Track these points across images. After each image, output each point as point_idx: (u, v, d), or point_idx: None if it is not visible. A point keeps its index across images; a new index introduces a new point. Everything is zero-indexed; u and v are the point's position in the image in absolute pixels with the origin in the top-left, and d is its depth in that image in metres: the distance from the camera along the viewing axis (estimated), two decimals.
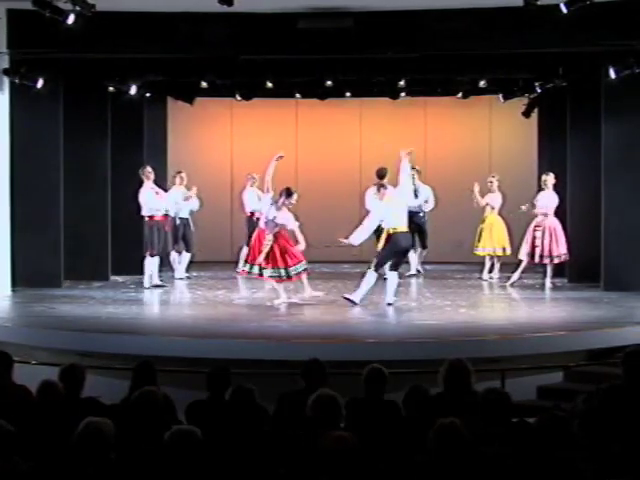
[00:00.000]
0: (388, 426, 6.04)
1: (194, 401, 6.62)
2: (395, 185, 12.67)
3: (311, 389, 6.39)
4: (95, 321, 11.66)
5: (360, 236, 12.41)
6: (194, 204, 15.88)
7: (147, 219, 14.37)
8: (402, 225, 12.33)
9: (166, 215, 14.61)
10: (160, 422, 5.53)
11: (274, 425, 6.28)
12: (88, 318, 11.85)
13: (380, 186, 12.77)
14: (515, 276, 14.64)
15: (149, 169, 14.50)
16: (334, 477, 4.75)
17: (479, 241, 15.66)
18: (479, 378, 6.63)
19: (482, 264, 15.82)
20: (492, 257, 15.73)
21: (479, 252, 15.71)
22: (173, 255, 15.84)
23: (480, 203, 15.56)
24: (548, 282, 14.41)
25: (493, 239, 15.54)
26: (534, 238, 14.33)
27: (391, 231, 12.29)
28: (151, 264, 14.41)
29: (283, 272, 12.55)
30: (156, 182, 14.70)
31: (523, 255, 14.46)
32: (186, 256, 15.92)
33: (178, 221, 15.74)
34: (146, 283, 14.39)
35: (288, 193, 12.62)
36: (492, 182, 15.71)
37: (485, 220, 15.64)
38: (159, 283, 14.51)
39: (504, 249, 15.59)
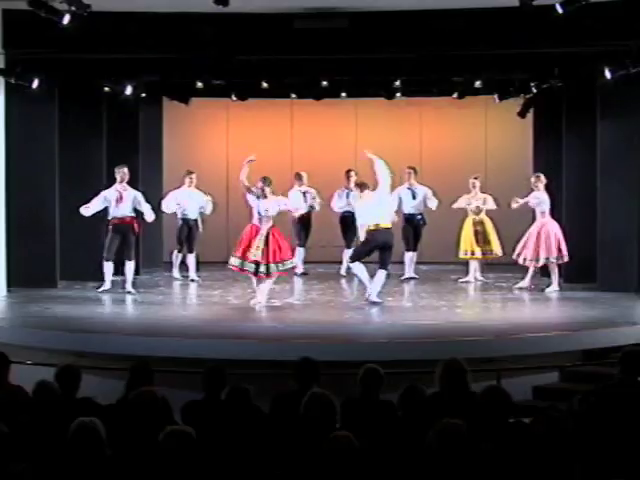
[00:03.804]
0: (384, 426, 6.04)
1: (189, 401, 6.60)
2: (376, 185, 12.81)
3: (304, 389, 6.41)
4: (91, 321, 11.65)
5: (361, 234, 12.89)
6: (207, 207, 15.84)
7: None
8: (379, 222, 12.57)
9: (132, 217, 14.14)
10: (157, 422, 5.52)
11: (269, 426, 6.28)
12: (84, 318, 11.84)
13: (360, 185, 13.07)
14: (526, 281, 14.31)
15: (124, 170, 14.17)
16: (334, 477, 4.76)
17: (478, 244, 15.39)
18: (475, 378, 6.63)
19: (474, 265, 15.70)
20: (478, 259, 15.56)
21: (479, 256, 15.48)
22: (175, 254, 15.92)
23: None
24: (526, 282, 14.20)
25: (489, 242, 15.35)
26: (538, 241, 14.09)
27: (372, 227, 12.57)
28: (106, 268, 14.03)
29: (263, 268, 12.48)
30: (130, 183, 14.56)
31: (527, 261, 14.10)
32: (190, 257, 15.84)
33: (180, 222, 15.76)
34: (105, 286, 14.05)
35: (262, 181, 12.67)
36: (474, 183, 15.49)
37: (483, 222, 15.41)
38: (130, 289, 14.01)
39: (494, 251, 15.44)
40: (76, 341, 10.56)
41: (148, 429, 5.49)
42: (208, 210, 15.94)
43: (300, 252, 16.32)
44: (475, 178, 15.55)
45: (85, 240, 14.80)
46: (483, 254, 15.36)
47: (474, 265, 15.48)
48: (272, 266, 12.38)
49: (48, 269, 14.47)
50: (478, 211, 15.40)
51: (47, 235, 14.46)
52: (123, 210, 14.05)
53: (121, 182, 14.11)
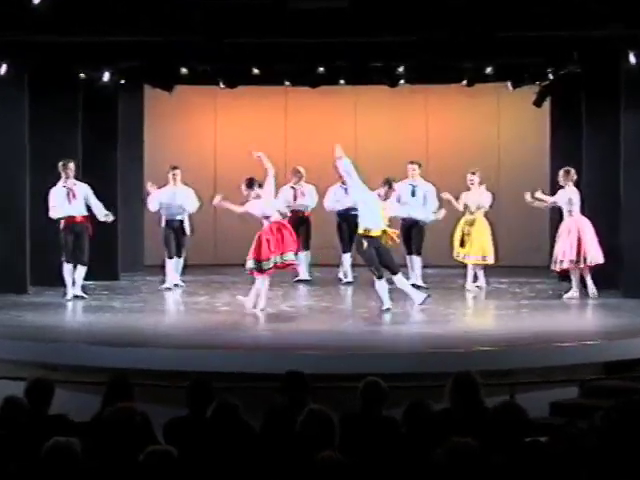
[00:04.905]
0: (386, 445, 6.03)
1: (173, 418, 6.59)
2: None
3: (296, 404, 6.48)
4: (64, 330, 11.67)
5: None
6: (189, 205, 15.66)
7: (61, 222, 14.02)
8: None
9: (85, 216, 14.10)
10: (136, 442, 5.51)
11: (261, 445, 6.26)
12: (56, 327, 11.85)
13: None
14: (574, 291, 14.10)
15: (71, 165, 14.03)
16: None
17: (462, 247, 15.23)
18: (486, 393, 6.62)
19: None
20: (476, 265, 15.42)
21: (464, 260, 15.33)
22: (167, 261, 15.65)
23: (457, 206, 15.05)
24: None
25: (481, 245, 15.20)
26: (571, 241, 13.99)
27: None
28: (66, 271, 14.01)
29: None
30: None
31: (566, 264, 13.94)
32: (177, 262, 15.66)
33: (164, 224, 15.61)
34: (69, 294, 13.97)
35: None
36: (472, 180, 15.36)
37: (474, 223, 15.27)
38: (79, 294, 14.04)
39: (489, 257, 15.26)
40: (47, 352, 10.53)
41: (127, 449, 5.48)
42: (190, 207, 15.70)
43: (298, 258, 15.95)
44: (472, 173, 15.40)
45: (58, 242, 14.73)
46: (465, 257, 15.20)
47: (473, 270, 15.33)
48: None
49: (17, 273, 14.45)
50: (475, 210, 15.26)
51: (16, 236, 14.43)
52: (77, 208, 14.01)
53: (67, 179, 14.01)
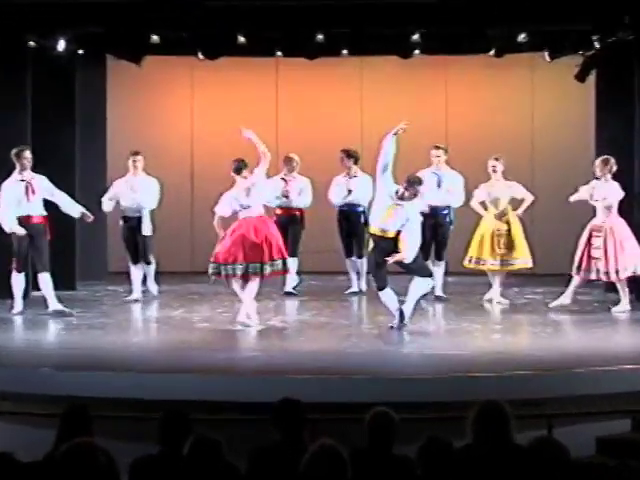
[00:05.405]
0: None
1: (141, 457, 6.60)
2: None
3: (289, 439, 6.55)
4: (9, 351, 11.64)
5: None
6: (146, 201, 15.50)
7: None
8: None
9: (44, 216, 14.07)
10: None
11: None
12: (1, 347, 11.79)
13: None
14: (565, 298, 14.37)
15: (27, 154, 14.02)
16: None
17: (494, 250, 15.13)
18: (518, 427, 6.61)
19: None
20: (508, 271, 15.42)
21: (499, 267, 15.28)
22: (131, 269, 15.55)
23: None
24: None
25: (524, 246, 15.18)
26: (590, 247, 14.04)
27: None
28: (16, 281, 14.05)
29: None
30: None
31: (574, 270, 14.19)
32: (144, 268, 15.55)
33: (121, 222, 15.49)
34: (16, 308, 13.98)
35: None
36: (495, 167, 15.32)
37: (509, 221, 15.16)
38: (59, 308, 13.96)
39: (527, 261, 15.26)
40: None
41: None
42: (147, 203, 15.52)
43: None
44: (496, 159, 15.37)
45: (4, 247, 14.73)
46: (502, 264, 15.14)
47: (498, 279, 15.30)
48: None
49: None
50: (503, 214, 15.18)
51: None
52: (36, 206, 14.01)
53: (23, 170, 13.99)
